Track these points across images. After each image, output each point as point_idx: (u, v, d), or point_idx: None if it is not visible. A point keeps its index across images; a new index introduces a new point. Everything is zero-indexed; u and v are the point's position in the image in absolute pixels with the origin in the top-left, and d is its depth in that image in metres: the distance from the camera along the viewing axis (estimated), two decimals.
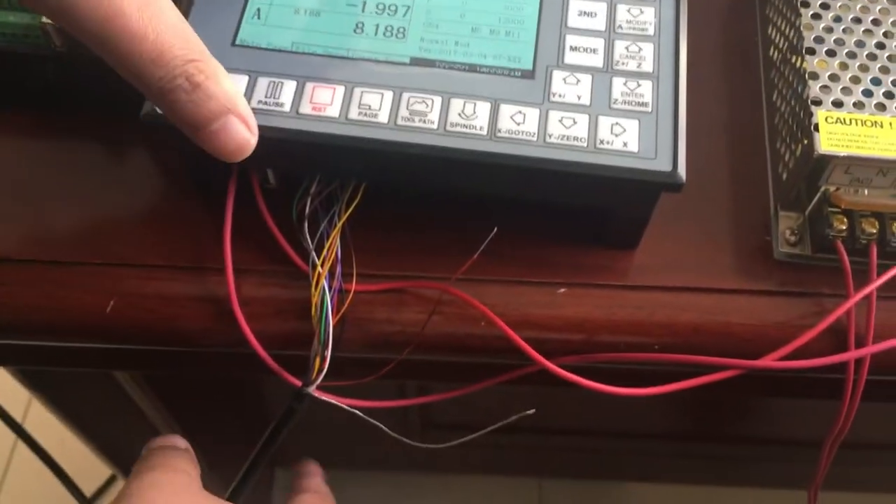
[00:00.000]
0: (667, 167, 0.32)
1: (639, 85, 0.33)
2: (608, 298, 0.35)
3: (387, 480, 1.07)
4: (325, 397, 0.35)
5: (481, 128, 0.32)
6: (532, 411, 0.35)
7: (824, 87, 0.34)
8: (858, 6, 0.37)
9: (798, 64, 0.36)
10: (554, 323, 0.35)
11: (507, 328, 0.33)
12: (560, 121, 0.33)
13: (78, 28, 0.27)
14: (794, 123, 0.35)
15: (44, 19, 0.36)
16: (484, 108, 0.33)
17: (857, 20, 0.36)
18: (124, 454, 0.70)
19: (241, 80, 0.33)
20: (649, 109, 0.33)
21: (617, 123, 0.32)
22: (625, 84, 0.34)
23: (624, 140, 0.32)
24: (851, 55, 0.35)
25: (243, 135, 0.30)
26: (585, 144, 0.32)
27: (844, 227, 0.34)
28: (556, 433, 0.86)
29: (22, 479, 1.06)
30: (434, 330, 0.35)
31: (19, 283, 0.35)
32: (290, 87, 0.33)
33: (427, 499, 1.07)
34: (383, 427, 0.36)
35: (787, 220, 0.36)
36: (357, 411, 0.35)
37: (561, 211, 0.36)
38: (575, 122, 0.33)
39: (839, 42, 0.36)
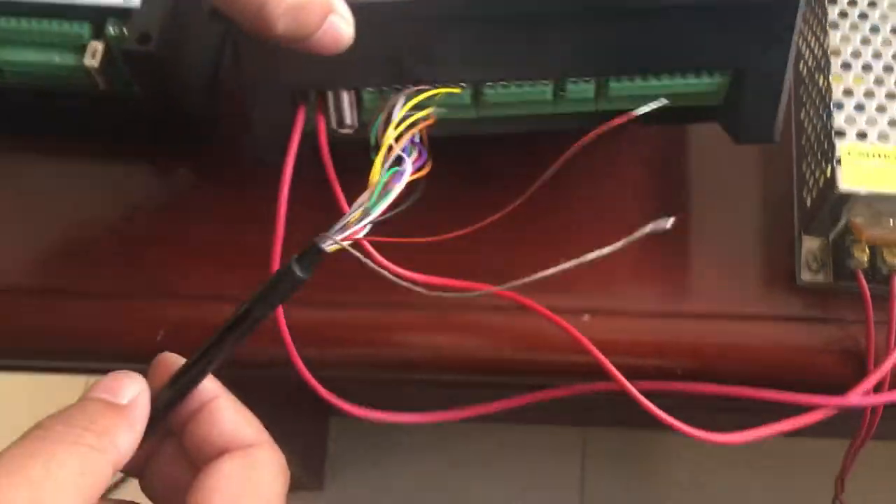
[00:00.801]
0: None
1: None
2: (632, 324, 0.37)
3: (432, 426, 1.10)
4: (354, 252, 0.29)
5: None
6: None
7: (849, 118, 0.34)
8: (889, 27, 0.36)
9: (824, 88, 0.36)
10: (580, 347, 0.36)
11: (598, 353, 0.33)
12: None
13: None
14: (819, 151, 0.35)
15: (87, 61, 0.35)
16: None
17: (888, 42, 0.36)
18: None
19: None
20: None
21: None
22: None
23: None
24: (879, 82, 0.35)
25: (344, 31, 0.28)
26: None
27: (866, 258, 0.34)
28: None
29: None
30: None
31: (76, 315, 0.38)
32: None
33: (472, 445, 1.10)
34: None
35: (811, 244, 0.37)
36: (387, 270, 0.32)
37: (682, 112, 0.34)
38: None
39: (867, 68, 0.35)
